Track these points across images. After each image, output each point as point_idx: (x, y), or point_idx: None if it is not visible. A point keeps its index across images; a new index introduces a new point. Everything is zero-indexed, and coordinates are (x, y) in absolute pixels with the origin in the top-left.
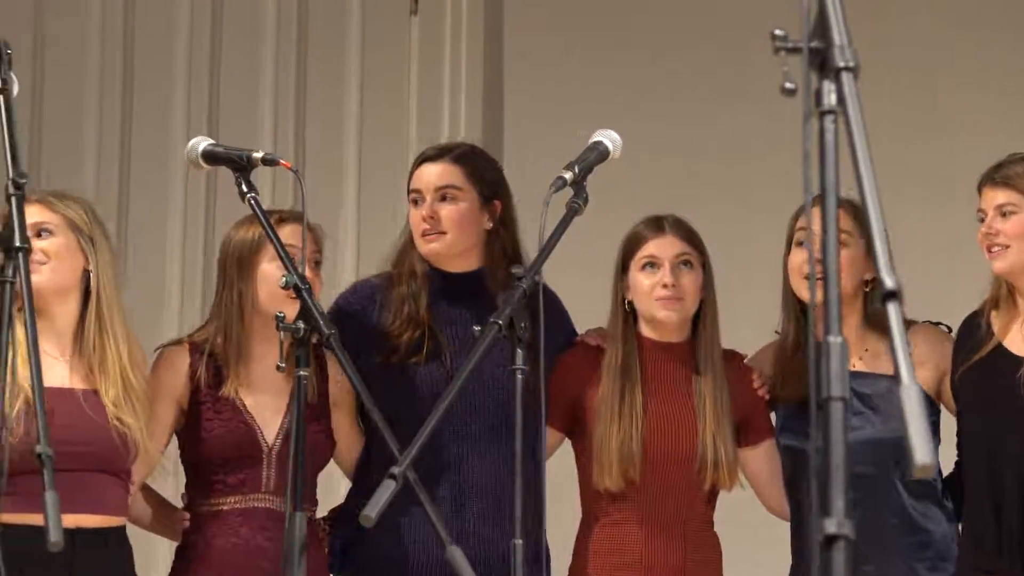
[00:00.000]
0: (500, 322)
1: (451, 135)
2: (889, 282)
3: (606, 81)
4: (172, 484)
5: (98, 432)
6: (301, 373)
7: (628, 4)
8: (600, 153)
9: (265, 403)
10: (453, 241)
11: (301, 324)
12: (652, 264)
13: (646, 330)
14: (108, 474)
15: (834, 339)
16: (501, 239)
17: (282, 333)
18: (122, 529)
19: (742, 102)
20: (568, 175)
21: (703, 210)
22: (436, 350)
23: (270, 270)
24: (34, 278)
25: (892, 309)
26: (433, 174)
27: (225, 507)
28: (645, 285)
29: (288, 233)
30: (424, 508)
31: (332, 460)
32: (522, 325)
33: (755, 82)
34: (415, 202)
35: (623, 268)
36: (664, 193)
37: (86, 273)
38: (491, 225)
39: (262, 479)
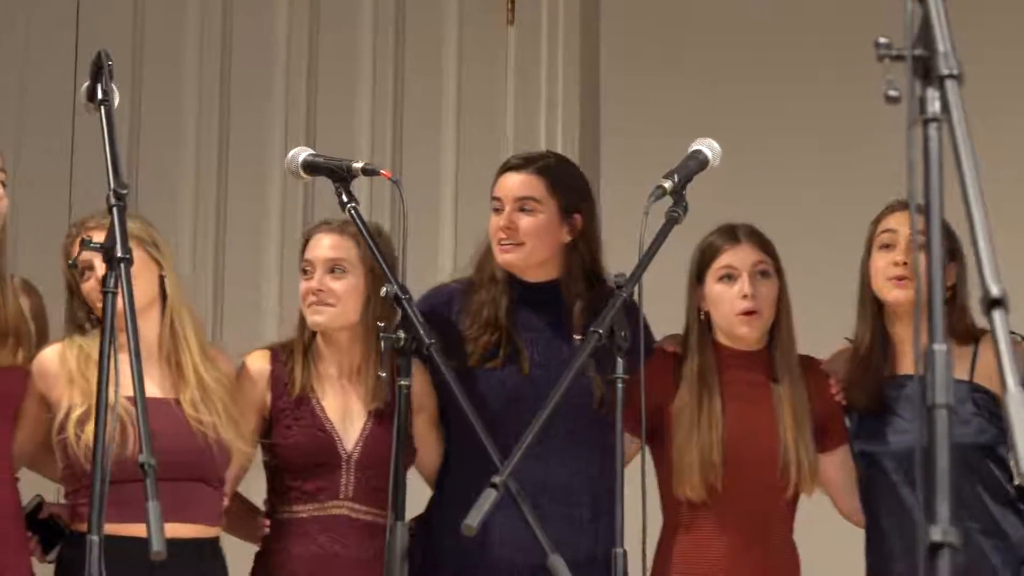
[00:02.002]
0: (601, 331)
1: (548, 144)
2: (995, 290)
3: (704, 91)
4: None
5: (193, 440)
6: (403, 383)
7: (727, 14)
8: (700, 162)
9: (345, 409)
10: (529, 253)
11: (402, 333)
12: (730, 276)
13: (723, 338)
14: (204, 483)
15: (939, 347)
16: (580, 252)
17: (383, 343)
18: (217, 540)
19: (843, 104)
20: (667, 184)
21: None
22: (514, 354)
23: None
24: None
25: (997, 317)
26: (515, 184)
27: (303, 514)
28: (724, 298)
29: None
30: (506, 514)
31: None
32: (623, 334)
33: (860, 85)
34: (496, 210)
35: (698, 278)
36: (759, 200)
37: (161, 279)
38: (569, 238)
39: (340, 486)
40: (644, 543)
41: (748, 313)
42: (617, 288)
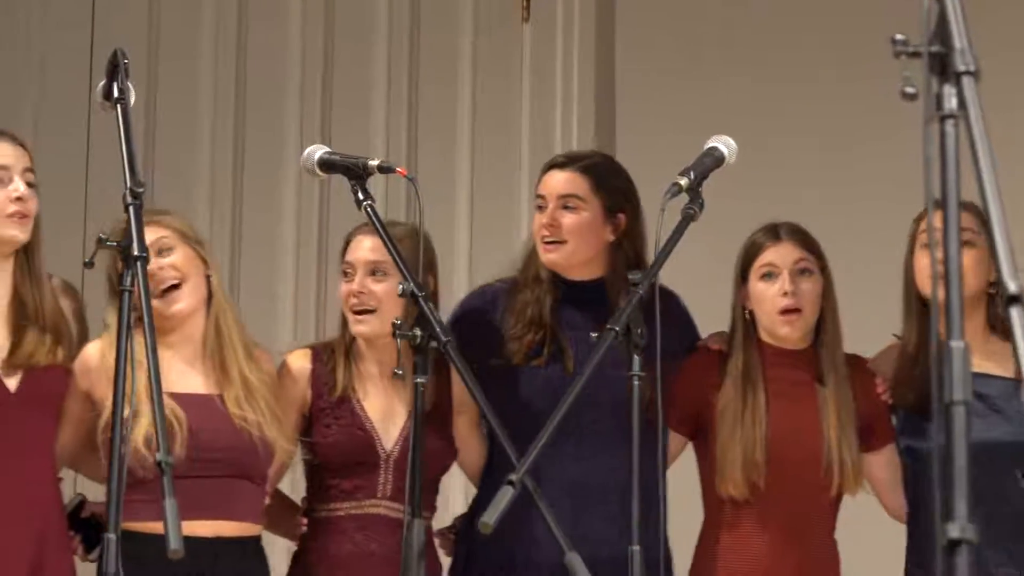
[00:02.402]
0: (617, 328)
1: (563, 141)
2: (1013, 286)
3: (720, 88)
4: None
5: (237, 436)
6: (419, 380)
7: (743, 11)
8: (716, 159)
9: (386, 409)
10: (572, 251)
11: (418, 331)
12: (771, 274)
13: (767, 337)
14: (248, 480)
15: (956, 343)
16: (624, 251)
17: (399, 340)
18: (259, 539)
19: (855, 103)
20: (683, 181)
21: (816, 213)
22: (558, 352)
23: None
24: (177, 307)
25: (1015, 313)
26: (559, 181)
27: (340, 513)
28: (766, 296)
29: None
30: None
31: (457, 466)
32: (639, 331)
33: (869, 84)
34: (540, 208)
35: (742, 277)
36: (774, 198)
37: (207, 278)
38: (613, 237)
39: (378, 485)
40: (664, 540)
41: (789, 311)
42: (632, 285)
